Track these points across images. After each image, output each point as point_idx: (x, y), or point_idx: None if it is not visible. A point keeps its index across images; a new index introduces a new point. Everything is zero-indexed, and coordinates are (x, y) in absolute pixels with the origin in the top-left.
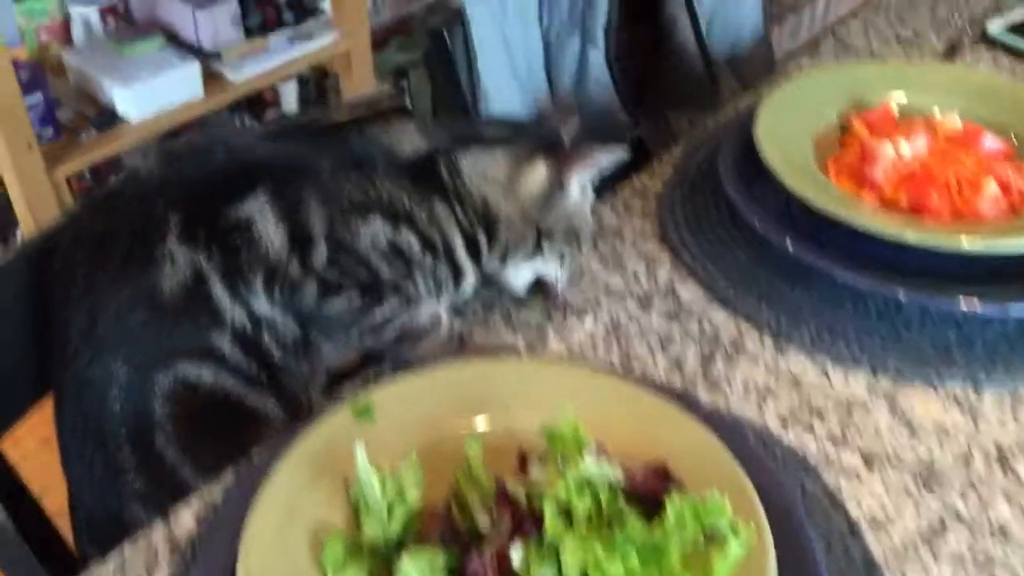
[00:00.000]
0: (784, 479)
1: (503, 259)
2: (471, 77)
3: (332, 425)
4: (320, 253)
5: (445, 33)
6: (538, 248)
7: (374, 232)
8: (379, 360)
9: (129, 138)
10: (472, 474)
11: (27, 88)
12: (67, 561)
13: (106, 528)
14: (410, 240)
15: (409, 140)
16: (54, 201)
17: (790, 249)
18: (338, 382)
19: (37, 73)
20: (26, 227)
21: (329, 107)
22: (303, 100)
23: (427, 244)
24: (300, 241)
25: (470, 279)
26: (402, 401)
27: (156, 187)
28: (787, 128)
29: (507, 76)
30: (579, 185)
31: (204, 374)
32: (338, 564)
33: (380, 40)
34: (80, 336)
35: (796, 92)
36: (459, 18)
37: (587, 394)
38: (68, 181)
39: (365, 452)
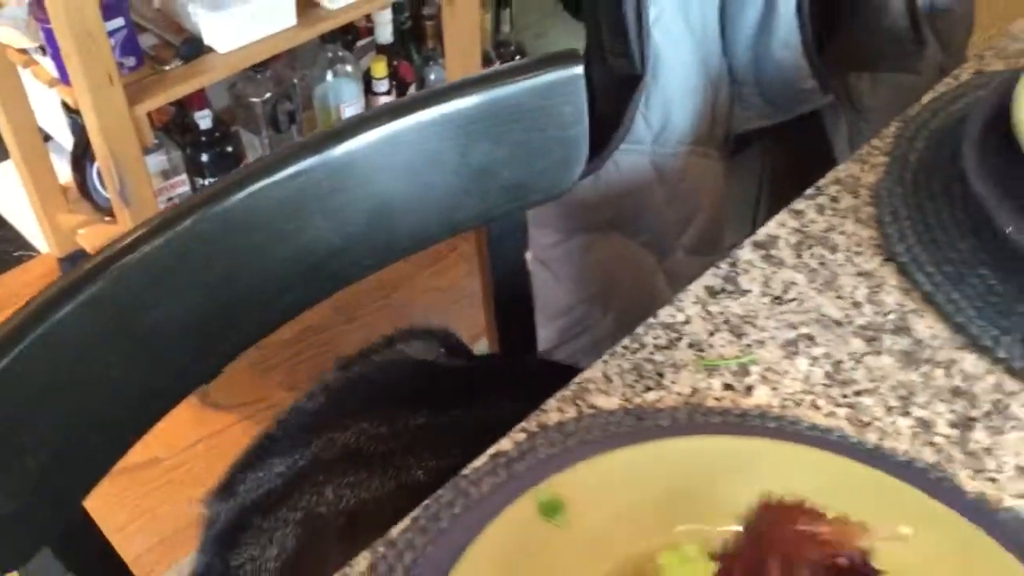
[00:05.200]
0: None
1: None
2: (640, 26)
3: (511, 527)
4: None
5: None
6: None
7: None
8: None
9: (217, 71)
10: None
11: (108, 12)
12: None
13: None
14: None
15: None
16: (135, 137)
17: None
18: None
19: None
20: (103, 163)
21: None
22: (398, 31)
23: None
24: None
25: None
26: (601, 493)
27: None
28: None
29: (681, 27)
30: None
31: None
32: None
33: None
34: None
35: None
36: None
37: (860, 497)
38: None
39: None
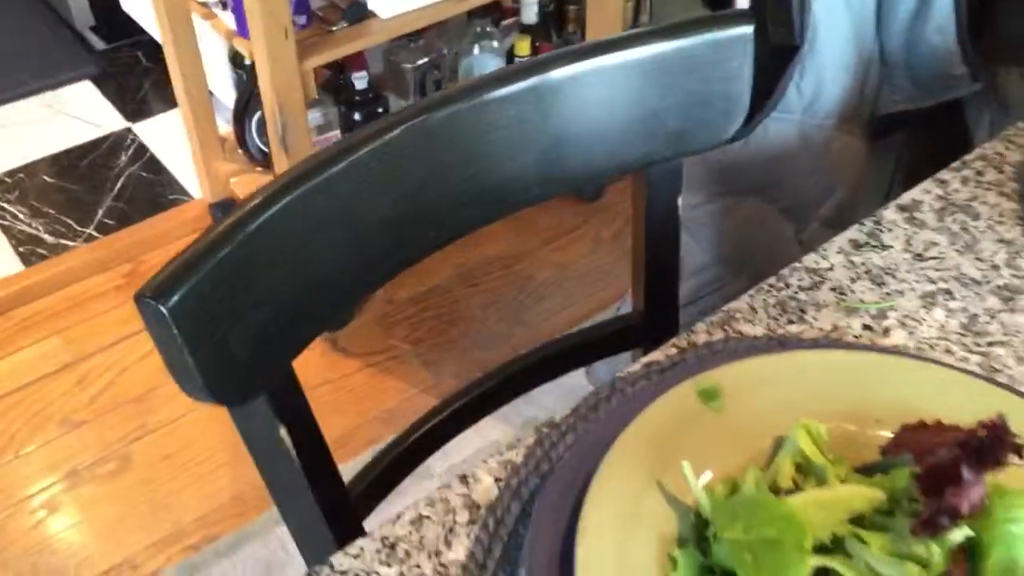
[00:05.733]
0: None
1: None
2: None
3: (670, 408)
4: None
5: None
6: None
7: None
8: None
9: (377, 34)
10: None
11: None
12: (337, 487)
13: None
14: None
15: None
16: (301, 90)
17: None
18: None
19: None
20: (270, 112)
21: None
22: (542, 13)
23: None
24: None
25: None
26: (753, 388)
27: None
28: None
29: (840, 4)
30: None
31: None
32: None
33: None
34: None
35: None
36: None
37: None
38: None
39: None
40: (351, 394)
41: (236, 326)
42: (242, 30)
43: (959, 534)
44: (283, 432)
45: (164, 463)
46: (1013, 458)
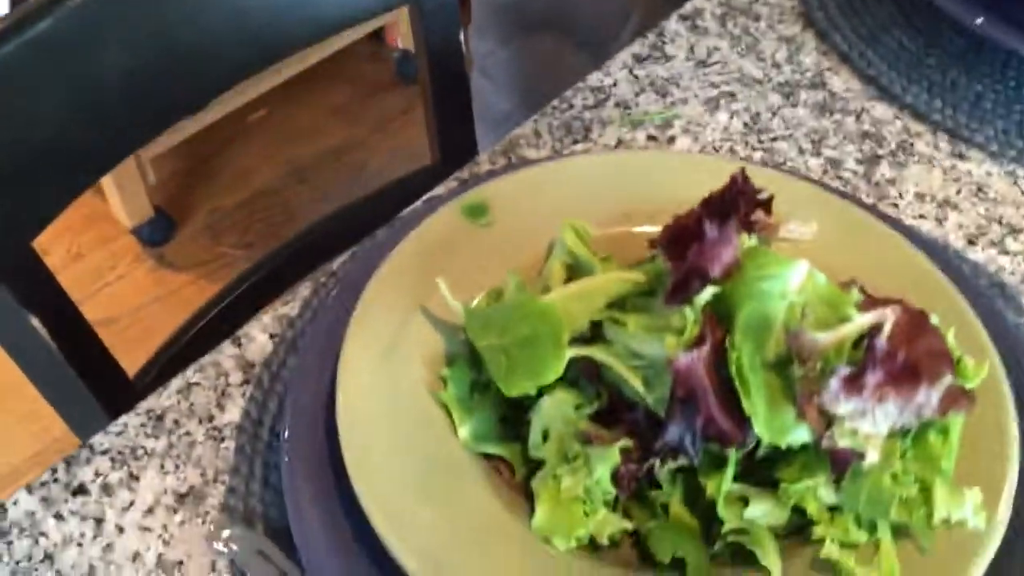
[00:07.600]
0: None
1: None
2: None
3: (435, 229)
4: None
5: None
6: None
7: None
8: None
9: None
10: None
11: None
12: (116, 379)
13: None
14: None
15: None
16: None
17: (979, 27)
18: None
19: None
20: None
21: None
22: None
23: None
24: None
25: None
26: (523, 198)
27: None
28: None
29: None
30: None
31: None
32: (462, 404)
33: None
34: None
35: None
36: None
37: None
38: None
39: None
40: (184, 309)
41: None
42: None
43: (707, 293)
44: (35, 321)
45: None
46: (763, 215)
